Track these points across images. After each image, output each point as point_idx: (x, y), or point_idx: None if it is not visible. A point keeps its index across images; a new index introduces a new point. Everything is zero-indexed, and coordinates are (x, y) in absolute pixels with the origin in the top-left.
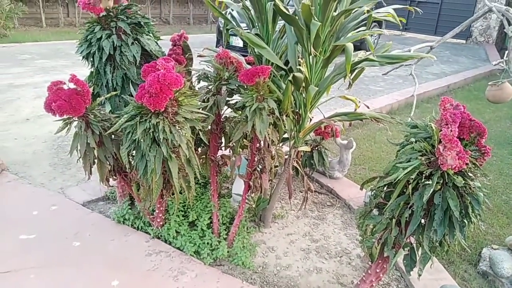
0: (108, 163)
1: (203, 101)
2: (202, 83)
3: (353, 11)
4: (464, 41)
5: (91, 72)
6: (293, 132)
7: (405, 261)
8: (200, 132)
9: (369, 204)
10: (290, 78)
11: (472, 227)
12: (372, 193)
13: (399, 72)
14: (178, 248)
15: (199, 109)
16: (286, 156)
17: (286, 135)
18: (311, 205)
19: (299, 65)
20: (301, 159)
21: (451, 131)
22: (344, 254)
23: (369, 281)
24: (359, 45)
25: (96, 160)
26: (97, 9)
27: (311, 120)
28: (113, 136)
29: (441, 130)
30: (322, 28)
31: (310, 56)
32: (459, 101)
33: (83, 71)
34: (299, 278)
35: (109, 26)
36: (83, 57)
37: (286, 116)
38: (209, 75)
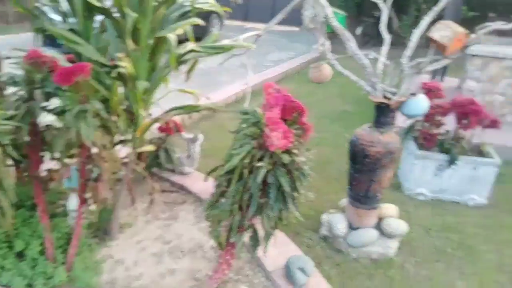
0: None
1: (16, 109)
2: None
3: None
4: (297, 28)
5: None
6: (129, 133)
7: (250, 242)
8: (8, 147)
9: (214, 194)
10: (114, 74)
11: (303, 197)
12: (216, 182)
13: (243, 61)
14: (5, 286)
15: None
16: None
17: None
18: (162, 206)
19: (121, 59)
20: (147, 159)
21: (273, 113)
22: (198, 249)
23: (221, 270)
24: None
25: None
26: None
27: (151, 117)
28: None
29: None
30: (142, 19)
31: (138, 51)
32: (296, 85)
33: None
34: (152, 285)
35: None
36: None
37: (117, 116)
38: (16, 79)
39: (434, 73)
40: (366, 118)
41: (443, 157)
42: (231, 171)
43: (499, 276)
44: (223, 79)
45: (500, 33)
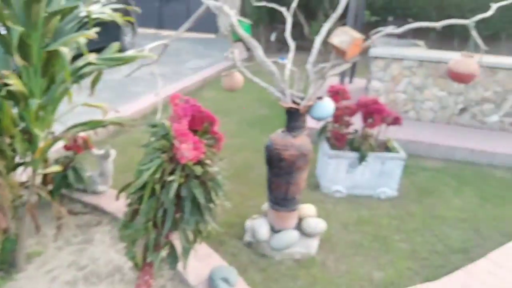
0: None
1: None
2: None
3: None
4: (214, 36)
5: None
6: (28, 155)
7: (168, 260)
8: None
9: (127, 213)
10: (3, 93)
11: (219, 208)
12: (127, 201)
13: (158, 71)
14: None
15: None
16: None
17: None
18: (74, 229)
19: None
20: (53, 181)
21: (181, 125)
22: (117, 272)
23: None
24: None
25: None
26: None
27: (53, 135)
28: None
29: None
30: (32, 33)
31: (30, 67)
32: (215, 91)
33: None
34: None
35: None
36: None
37: (12, 137)
38: None
39: (342, 75)
40: (283, 121)
41: (354, 154)
42: (142, 188)
43: (411, 263)
44: (139, 89)
45: (400, 35)
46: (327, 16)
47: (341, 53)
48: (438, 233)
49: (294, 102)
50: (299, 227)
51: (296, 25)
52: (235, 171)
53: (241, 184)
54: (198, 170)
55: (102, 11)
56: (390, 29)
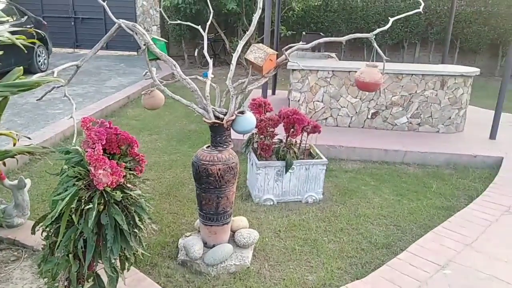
0: None
1: None
2: None
3: None
4: (135, 53)
5: None
6: None
7: None
8: None
9: (45, 246)
10: None
11: (145, 231)
12: (43, 234)
13: (78, 90)
14: None
15: None
16: None
17: None
18: None
19: None
20: None
21: (95, 150)
22: None
23: None
24: (28, 67)
25: None
26: None
27: None
28: None
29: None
30: None
31: None
32: (139, 109)
33: None
34: None
35: None
36: None
37: None
38: None
39: (265, 88)
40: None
41: (280, 163)
42: (58, 218)
43: (341, 262)
44: (57, 111)
45: (314, 49)
46: (245, 32)
47: (257, 68)
48: (363, 231)
49: (217, 117)
50: (232, 239)
51: (220, 40)
52: (166, 189)
53: (173, 202)
54: (118, 195)
55: (1, 34)
56: (300, 44)
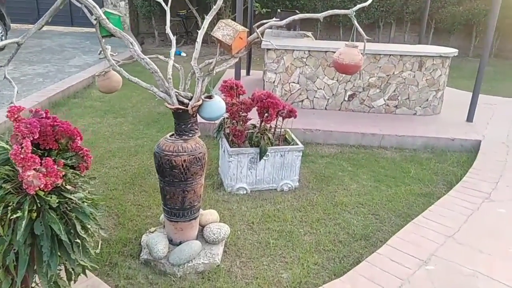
0: None
1: None
2: None
3: None
4: None
5: None
6: None
7: None
8: None
9: None
10: None
11: (94, 237)
12: None
13: (39, 70)
14: None
15: None
16: None
17: None
18: None
19: None
20: None
21: (22, 147)
22: None
23: None
24: None
25: None
26: None
27: None
28: None
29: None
30: None
31: None
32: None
33: None
34: None
35: None
36: None
37: None
38: None
39: (237, 68)
40: None
41: (254, 150)
42: None
43: (317, 257)
44: (12, 92)
45: (289, 27)
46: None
47: (226, 47)
48: (340, 221)
49: (181, 102)
50: (201, 235)
51: (192, 17)
52: (130, 178)
53: (138, 192)
54: (53, 200)
55: None
56: (273, 21)
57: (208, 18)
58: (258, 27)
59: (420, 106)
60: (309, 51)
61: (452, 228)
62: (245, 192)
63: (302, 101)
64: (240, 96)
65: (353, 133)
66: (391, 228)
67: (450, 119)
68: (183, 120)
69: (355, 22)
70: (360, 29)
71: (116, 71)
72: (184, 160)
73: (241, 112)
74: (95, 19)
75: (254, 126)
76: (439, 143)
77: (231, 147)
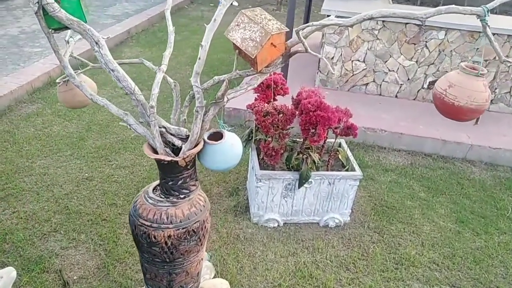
0: None
1: None
2: None
3: None
4: None
5: None
6: None
7: None
8: None
9: None
10: None
11: None
12: None
13: None
14: None
15: None
16: None
17: None
18: None
19: None
20: None
21: None
22: None
23: None
24: None
25: None
26: None
27: None
28: None
29: None
30: None
31: None
32: (142, 48)
33: None
34: None
35: None
36: None
37: None
38: None
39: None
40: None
41: (291, 175)
42: None
43: None
44: (35, 49)
45: None
46: None
47: (247, 58)
48: None
49: (170, 144)
50: None
51: None
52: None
53: None
54: None
55: None
56: (326, 20)
57: (226, 3)
58: (298, 31)
59: None
60: (383, 21)
61: None
62: (276, 224)
63: (366, 84)
64: (280, 96)
65: (430, 139)
66: None
67: None
68: (170, 174)
69: (488, 31)
70: (496, 46)
71: (75, 86)
72: (169, 236)
73: (278, 126)
74: (36, 2)
75: (294, 142)
76: None
77: (261, 169)
